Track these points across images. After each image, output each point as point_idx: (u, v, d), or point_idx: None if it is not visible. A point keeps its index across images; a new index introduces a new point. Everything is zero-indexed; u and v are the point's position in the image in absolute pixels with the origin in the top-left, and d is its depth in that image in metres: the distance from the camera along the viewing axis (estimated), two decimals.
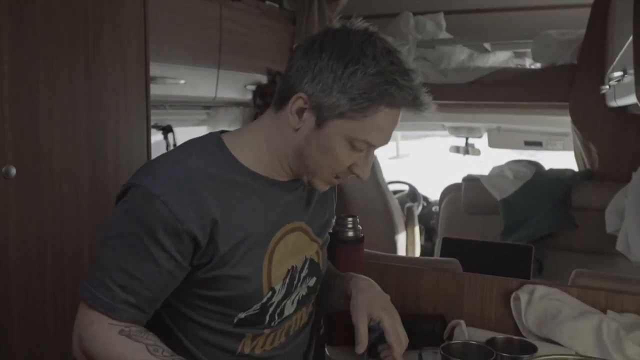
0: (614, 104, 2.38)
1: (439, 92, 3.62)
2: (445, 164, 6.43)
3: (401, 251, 3.73)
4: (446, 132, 4.61)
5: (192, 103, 3.03)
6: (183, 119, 3.11)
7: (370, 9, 3.49)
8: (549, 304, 1.37)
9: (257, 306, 1.05)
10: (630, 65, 1.46)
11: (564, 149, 3.99)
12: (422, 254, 4.02)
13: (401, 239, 3.75)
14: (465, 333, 1.38)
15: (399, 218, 3.75)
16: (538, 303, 1.37)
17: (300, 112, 1.00)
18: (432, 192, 4.71)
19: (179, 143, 2.93)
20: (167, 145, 2.84)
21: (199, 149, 1.04)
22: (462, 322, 1.41)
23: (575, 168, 3.37)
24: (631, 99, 1.47)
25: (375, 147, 1.03)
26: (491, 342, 1.27)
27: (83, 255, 1.62)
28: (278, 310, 1.09)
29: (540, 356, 1.08)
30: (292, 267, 1.10)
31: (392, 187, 4.18)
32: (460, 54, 3.51)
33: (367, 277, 1.23)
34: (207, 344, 1.06)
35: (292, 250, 1.10)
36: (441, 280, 1.52)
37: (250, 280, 1.03)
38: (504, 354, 1.20)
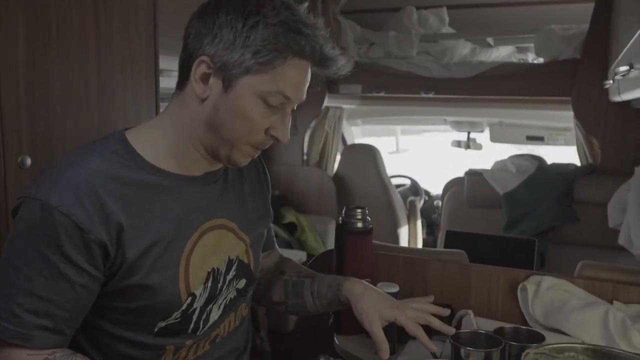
0: (617, 98, 2.39)
1: (441, 87, 3.65)
2: (445, 158, 6.45)
3: (403, 244, 3.76)
4: (446, 127, 4.63)
5: None
6: None
7: (373, 4, 3.51)
8: (556, 294, 1.39)
9: (177, 314, 0.98)
10: (637, 59, 1.47)
11: (566, 143, 4.02)
12: (424, 247, 4.04)
13: (403, 232, 3.77)
14: (474, 322, 1.40)
15: (401, 211, 3.77)
16: (545, 294, 1.40)
17: (205, 78, 0.93)
18: (434, 186, 4.73)
19: None
20: None
21: (100, 150, 0.95)
22: (470, 311, 1.43)
23: (578, 162, 3.40)
24: (638, 93, 1.49)
25: (291, 101, 0.96)
26: (499, 331, 1.28)
27: None
28: (203, 317, 1.03)
29: (548, 345, 1.10)
30: (213, 269, 1.03)
31: (394, 181, 4.20)
32: (463, 49, 3.53)
33: (355, 279, 1.19)
34: None
35: (213, 250, 1.03)
36: (448, 271, 1.54)
37: (165, 288, 0.95)
38: (513, 343, 1.22)
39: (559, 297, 1.38)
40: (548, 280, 1.42)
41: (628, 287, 1.38)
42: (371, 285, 1.17)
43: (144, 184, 0.95)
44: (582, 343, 1.15)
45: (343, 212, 1.49)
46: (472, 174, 3.45)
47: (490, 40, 3.63)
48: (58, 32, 1.50)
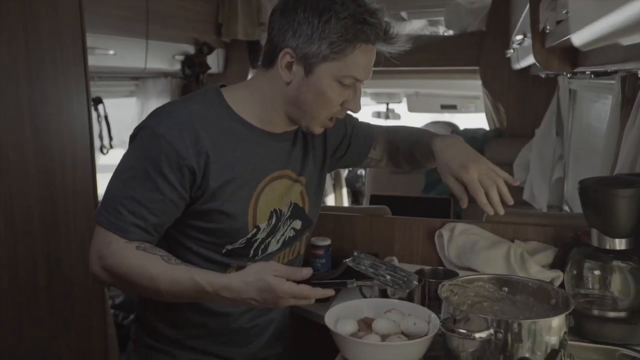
0: (517, 66, 2.63)
1: None
2: None
3: None
4: (367, 100, 4.82)
5: (122, 74, 3.03)
6: (112, 91, 3.09)
7: None
8: (467, 238, 1.58)
9: (242, 240, 1.16)
10: (529, 29, 1.67)
11: (476, 111, 4.31)
12: None
13: (330, 200, 3.93)
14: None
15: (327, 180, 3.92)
16: (458, 237, 1.59)
17: (289, 66, 1.11)
18: None
19: (109, 115, 2.93)
20: (98, 116, 2.84)
21: (200, 98, 1.16)
22: (395, 258, 1.59)
23: (487, 127, 3.66)
24: (531, 60, 1.69)
25: (361, 80, 1.13)
26: (419, 272, 1.45)
27: (33, 216, 1.66)
28: (262, 246, 1.20)
29: (460, 277, 1.27)
30: (276, 210, 1.21)
31: None
32: None
33: (448, 135, 1.32)
34: None
35: (279, 195, 1.21)
36: (375, 224, 1.70)
37: (237, 217, 1.14)
38: (431, 280, 1.39)
39: (469, 239, 1.58)
40: (460, 226, 1.61)
41: (526, 226, 1.59)
42: (458, 140, 1.26)
43: (232, 130, 1.14)
44: (488, 274, 1.34)
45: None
46: None
47: (404, 14, 3.79)
48: None
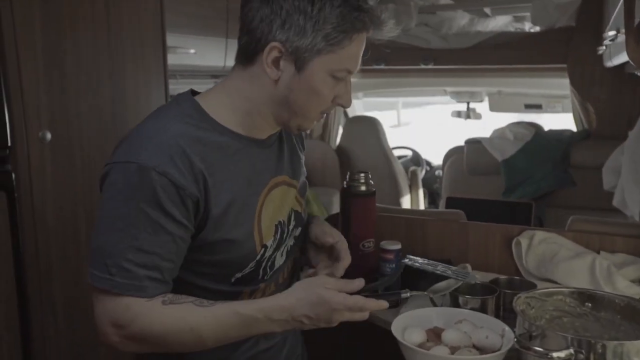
0: (610, 63, 2.46)
1: (440, 57, 3.71)
2: (447, 130, 6.50)
3: None
4: (447, 99, 4.69)
5: (202, 72, 3.10)
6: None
7: None
8: (547, 247, 1.49)
9: (252, 264, 1.06)
10: (623, 24, 1.55)
11: (563, 111, 4.08)
12: None
13: (406, 201, 3.87)
14: (473, 275, 1.49)
15: (403, 181, 3.86)
16: (537, 247, 1.49)
17: (276, 62, 0.97)
18: (435, 157, 4.81)
19: None
20: None
21: (176, 114, 1.00)
22: (468, 265, 1.52)
23: (574, 129, 3.47)
24: (625, 57, 1.57)
25: (353, 73, 1.04)
26: (495, 282, 1.38)
27: None
28: (269, 264, 1.10)
29: (538, 290, 1.19)
30: (280, 221, 1.10)
31: (396, 153, 4.28)
32: (461, 19, 3.57)
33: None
34: None
35: (279, 205, 1.10)
36: (447, 229, 1.63)
37: (244, 242, 1.03)
38: (506, 291, 1.32)
39: (549, 249, 1.48)
40: (540, 235, 1.52)
41: (613, 237, 1.48)
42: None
43: (219, 145, 1.00)
44: (570, 287, 1.25)
45: (347, 176, 1.57)
46: (472, 142, 3.52)
47: (487, 10, 3.66)
48: (70, 11, 1.57)
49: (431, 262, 1.10)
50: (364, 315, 0.98)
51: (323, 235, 1.16)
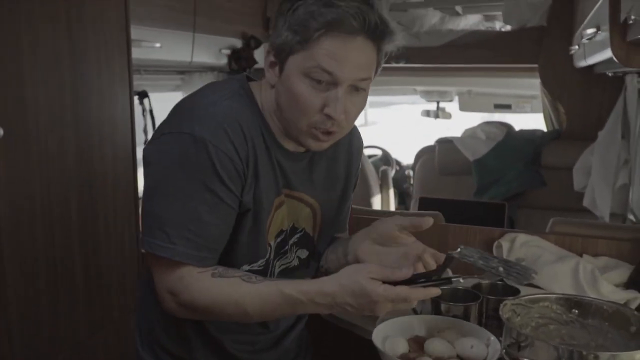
0: (583, 63, 2.46)
1: (411, 56, 3.65)
2: (415, 130, 6.52)
3: None
4: (414, 99, 4.68)
5: (168, 68, 3.00)
6: (158, 84, 3.08)
7: None
8: (529, 250, 1.45)
9: (262, 262, 1.08)
10: (604, 21, 1.52)
11: (532, 111, 4.11)
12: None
13: (376, 201, 3.83)
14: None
15: (374, 181, 3.82)
16: (519, 249, 1.46)
17: (272, 66, 1.01)
18: (404, 157, 4.80)
19: (154, 109, 2.94)
20: (143, 110, 2.82)
21: (231, 90, 1.04)
22: (449, 269, 1.47)
23: (545, 129, 3.48)
24: (605, 54, 1.54)
25: (336, 76, 0.96)
26: (477, 286, 1.34)
27: (70, 210, 1.64)
28: (270, 269, 1.11)
29: (524, 296, 1.15)
30: (282, 230, 1.11)
31: (365, 152, 4.24)
32: (432, 17, 3.55)
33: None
34: None
35: (287, 214, 1.11)
36: (425, 231, 1.57)
37: (260, 233, 1.05)
38: (490, 297, 1.28)
39: (532, 252, 1.44)
40: (522, 237, 1.48)
41: (596, 240, 1.45)
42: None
43: (261, 135, 1.03)
44: (556, 293, 1.21)
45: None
46: (443, 142, 3.51)
47: (459, 8, 3.64)
48: (28, 6, 1.48)
49: (484, 255, 1.01)
50: (409, 305, 0.98)
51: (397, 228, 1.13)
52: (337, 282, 0.95)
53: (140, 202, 1.83)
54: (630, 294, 1.35)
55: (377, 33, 0.98)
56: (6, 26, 1.43)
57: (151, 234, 0.98)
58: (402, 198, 4.63)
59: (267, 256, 1.09)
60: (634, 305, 1.32)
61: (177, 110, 1.03)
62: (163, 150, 0.98)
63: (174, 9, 2.51)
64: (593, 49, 1.88)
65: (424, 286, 0.95)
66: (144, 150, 1.03)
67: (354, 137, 1.23)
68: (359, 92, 1.01)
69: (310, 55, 0.95)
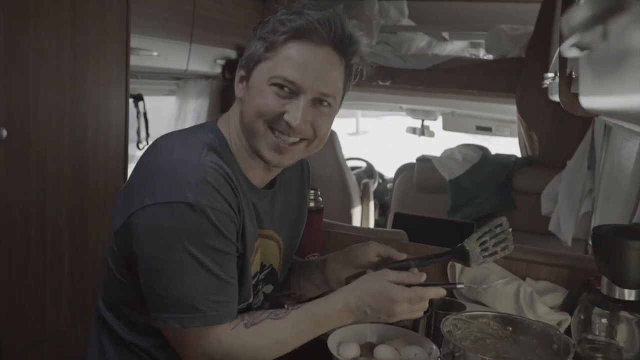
0: (552, 98, 2.60)
1: (398, 76, 3.76)
2: (402, 143, 6.64)
3: (356, 224, 3.94)
4: (403, 113, 4.82)
5: (164, 74, 3.11)
6: (153, 89, 3.18)
7: None
8: (479, 271, 1.60)
9: (244, 305, 1.09)
10: (557, 69, 1.67)
11: (511, 135, 4.26)
12: (375, 227, 4.24)
13: (357, 212, 3.95)
14: None
15: (355, 193, 3.94)
16: (469, 270, 1.60)
17: (242, 80, 1.04)
18: (388, 170, 4.93)
19: (148, 111, 3.03)
20: (138, 112, 2.93)
21: (207, 147, 1.00)
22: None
23: (519, 154, 3.63)
24: (557, 99, 1.69)
25: (299, 86, 0.97)
26: (430, 301, 1.47)
27: (62, 213, 1.73)
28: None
29: (466, 312, 1.29)
30: (256, 271, 1.14)
31: (350, 163, 4.37)
32: (420, 41, 3.69)
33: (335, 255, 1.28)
34: None
35: (261, 256, 1.14)
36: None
37: (247, 276, 1.08)
38: (438, 311, 1.42)
39: (481, 273, 1.59)
40: None
41: (539, 265, 1.60)
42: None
43: (240, 185, 1.03)
44: (493, 311, 1.36)
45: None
46: (422, 160, 3.64)
47: (446, 34, 3.79)
48: (33, 10, 1.57)
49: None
50: (424, 306, 1.05)
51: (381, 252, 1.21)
52: (358, 286, 1.03)
53: None
54: (562, 316, 1.50)
55: (344, 44, 0.99)
56: (13, 35, 1.52)
57: (177, 312, 0.95)
58: (383, 210, 4.76)
59: (251, 299, 1.11)
60: (564, 325, 1.47)
61: (156, 175, 0.96)
62: (157, 225, 0.93)
63: (173, 20, 2.63)
64: (554, 90, 2.04)
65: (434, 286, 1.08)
66: (133, 222, 0.96)
67: (303, 164, 1.30)
68: (323, 107, 1.01)
69: (276, 64, 0.97)
